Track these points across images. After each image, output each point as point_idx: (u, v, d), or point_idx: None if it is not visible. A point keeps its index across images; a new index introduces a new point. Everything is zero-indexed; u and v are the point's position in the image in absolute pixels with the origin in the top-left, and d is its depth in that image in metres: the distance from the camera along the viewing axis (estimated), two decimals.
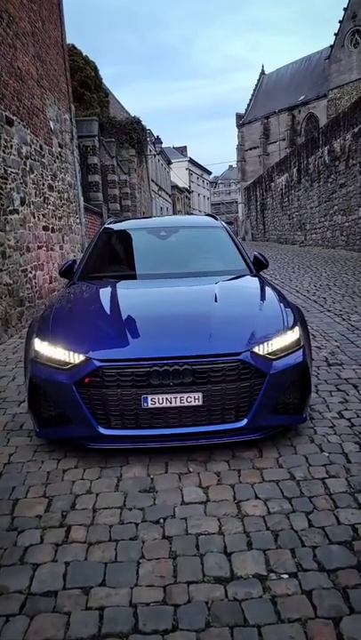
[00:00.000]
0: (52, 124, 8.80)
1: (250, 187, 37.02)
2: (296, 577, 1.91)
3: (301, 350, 2.97)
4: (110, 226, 5.18)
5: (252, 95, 49.09)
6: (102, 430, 2.78)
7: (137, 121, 22.54)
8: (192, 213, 46.21)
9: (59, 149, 9.27)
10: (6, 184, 6.47)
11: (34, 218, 7.54)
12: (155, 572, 1.97)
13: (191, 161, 55.43)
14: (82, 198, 11.11)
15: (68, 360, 2.82)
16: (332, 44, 35.78)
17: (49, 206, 8.41)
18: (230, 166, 71.80)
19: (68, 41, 10.56)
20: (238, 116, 48.78)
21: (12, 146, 6.73)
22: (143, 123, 23.15)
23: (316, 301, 7.53)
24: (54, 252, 8.62)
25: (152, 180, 30.76)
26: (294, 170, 22.83)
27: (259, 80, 49.69)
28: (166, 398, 2.71)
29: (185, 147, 57.69)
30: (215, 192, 75.06)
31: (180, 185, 48.17)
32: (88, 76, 19.71)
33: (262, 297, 3.50)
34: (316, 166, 19.22)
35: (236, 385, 2.75)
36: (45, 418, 2.94)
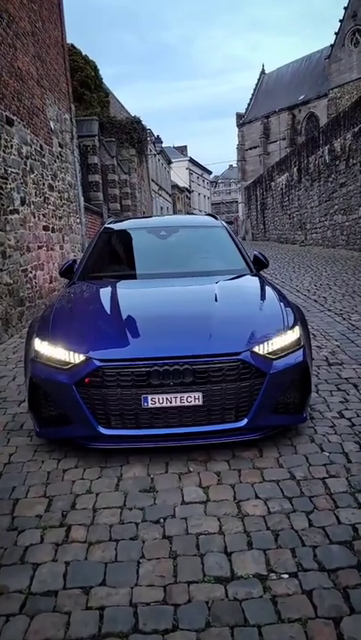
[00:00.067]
0: (52, 124, 8.80)
1: (250, 186, 37.01)
2: (296, 577, 1.91)
3: (302, 350, 2.97)
4: (110, 225, 5.18)
5: (253, 95, 49.06)
6: (102, 430, 2.78)
7: (137, 121, 22.54)
8: (192, 213, 46.18)
9: (59, 149, 9.27)
10: (6, 184, 6.47)
11: (34, 218, 7.54)
12: (155, 571, 1.97)
13: (191, 160, 55.42)
14: (82, 198, 11.10)
15: (68, 360, 2.82)
16: (332, 43, 35.75)
17: (49, 206, 8.41)
18: (230, 166, 71.81)
19: (68, 41, 10.57)
20: (238, 116, 48.76)
21: (12, 146, 6.73)
22: (143, 122, 23.18)
23: (316, 301, 7.52)
24: (54, 252, 8.63)
25: (152, 180, 30.76)
26: (295, 169, 22.82)
27: (259, 79, 49.66)
28: (166, 398, 2.71)
29: (185, 146, 57.69)
30: (215, 192, 75.04)
31: (181, 184, 48.17)
32: (88, 76, 19.71)
33: (262, 296, 3.50)
34: (317, 166, 19.21)
35: (236, 385, 2.75)
36: (45, 418, 2.94)
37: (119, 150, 19.55)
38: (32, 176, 7.53)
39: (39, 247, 7.75)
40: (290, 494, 2.45)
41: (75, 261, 4.53)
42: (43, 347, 2.96)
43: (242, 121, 47.84)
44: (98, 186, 14.60)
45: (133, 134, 21.89)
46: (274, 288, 3.73)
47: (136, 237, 4.92)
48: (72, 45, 17.34)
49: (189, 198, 53.97)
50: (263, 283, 3.80)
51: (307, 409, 3.06)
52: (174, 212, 41.06)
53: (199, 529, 2.22)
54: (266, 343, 2.86)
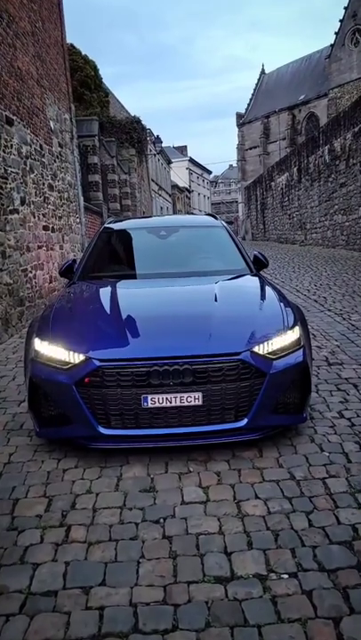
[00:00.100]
0: (52, 124, 8.80)
1: (250, 186, 37.01)
2: (296, 577, 1.91)
3: (302, 350, 2.97)
4: (110, 225, 5.18)
5: (253, 94, 49.06)
6: (102, 430, 2.77)
7: (137, 120, 22.54)
8: (192, 213, 46.17)
9: (59, 149, 9.27)
10: (6, 184, 6.47)
11: (34, 217, 7.54)
12: (155, 571, 1.97)
13: (191, 160, 55.41)
14: (82, 198, 11.10)
15: (68, 360, 2.82)
16: (332, 42, 35.75)
17: (49, 206, 8.41)
18: (230, 166, 71.80)
19: (68, 40, 10.56)
20: (238, 116, 48.75)
21: (12, 145, 6.73)
22: (143, 122, 23.18)
23: (316, 301, 7.52)
24: (54, 252, 8.63)
25: (152, 180, 30.76)
26: (295, 169, 22.82)
27: (259, 79, 49.65)
28: (166, 398, 2.71)
29: (185, 146, 57.69)
30: (215, 191, 75.04)
31: (181, 184, 48.16)
32: (88, 76, 19.71)
33: (262, 296, 3.50)
34: (317, 166, 19.21)
35: (235, 385, 2.75)
36: (45, 417, 2.94)
37: (119, 150, 19.55)
38: (32, 176, 7.53)
39: (39, 247, 7.75)
40: (290, 494, 2.45)
41: (74, 261, 4.53)
42: (42, 346, 2.96)
43: (242, 121, 47.84)
44: (98, 186, 14.59)
45: (133, 134, 21.88)
46: (274, 288, 3.73)
47: (136, 237, 4.92)
48: (71, 45, 17.33)
49: (189, 198, 53.97)
50: (263, 283, 3.80)
51: (307, 409, 3.06)
52: (174, 212, 41.06)
53: (199, 529, 2.22)
54: (266, 343, 2.86)
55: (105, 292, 3.71)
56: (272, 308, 3.28)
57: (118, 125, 21.10)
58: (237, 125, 48.46)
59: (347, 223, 15.99)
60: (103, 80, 21.94)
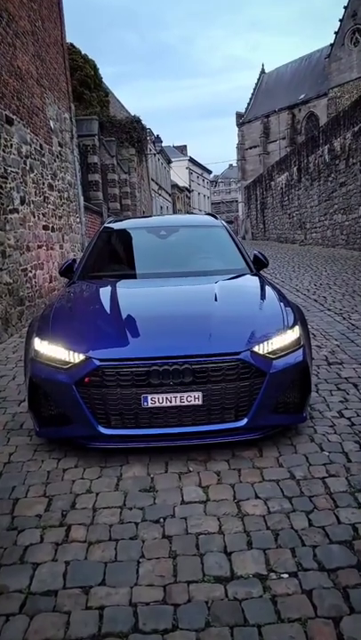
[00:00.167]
0: (51, 123, 8.79)
1: (250, 186, 36.99)
2: (296, 576, 1.91)
3: (301, 349, 2.97)
4: (110, 225, 5.18)
5: (253, 94, 49.02)
6: (102, 430, 2.77)
7: (137, 120, 22.53)
8: (192, 212, 46.17)
9: (59, 148, 9.27)
10: (6, 183, 6.46)
11: (34, 217, 7.54)
12: (155, 571, 1.97)
13: (191, 160, 55.38)
14: (82, 197, 11.10)
15: (67, 359, 2.82)
16: (332, 42, 35.73)
17: (49, 205, 8.40)
18: (230, 165, 71.77)
19: (67, 40, 10.55)
20: (238, 115, 48.72)
21: (11, 145, 6.72)
22: (143, 122, 23.18)
23: (316, 300, 7.52)
24: (54, 252, 8.62)
25: (152, 179, 30.75)
26: (294, 169, 22.81)
27: (259, 79, 49.61)
28: (166, 398, 2.71)
29: (185, 146, 57.66)
30: (215, 191, 75.02)
31: (181, 184, 48.15)
32: (87, 75, 19.70)
33: (262, 296, 3.50)
34: (317, 165, 19.20)
35: (235, 384, 2.75)
36: (45, 417, 2.93)
37: (119, 150, 19.54)
38: (32, 175, 7.52)
39: (39, 246, 7.75)
40: (290, 494, 2.45)
41: (74, 261, 4.53)
42: (42, 346, 2.96)
43: (242, 120, 47.82)
44: (98, 185, 14.59)
45: (133, 134, 21.88)
46: (274, 288, 3.73)
47: (136, 237, 4.92)
48: (71, 44, 17.32)
49: (189, 198, 53.95)
50: (263, 282, 3.80)
51: (307, 408, 3.06)
52: (174, 212, 41.04)
53: (199, 529, 2.22)
54: (266, 343, 2.86)
55: (105, 292, 3.71)
56: (272, 308, 3.28)
57: (118, 125, 21.10)
58: (237, 125, 48.43)
59: (347, 222, 15.99)
60: (103, 79, 21.94)
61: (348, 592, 1.82)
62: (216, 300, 3.32)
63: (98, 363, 2.74)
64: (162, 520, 2.29)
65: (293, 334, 3.00)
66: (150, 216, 17.16)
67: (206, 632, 1.68)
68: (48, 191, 8.38)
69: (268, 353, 2.84)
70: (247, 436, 2.86)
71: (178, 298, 3.59)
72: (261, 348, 2.83)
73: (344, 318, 6.19)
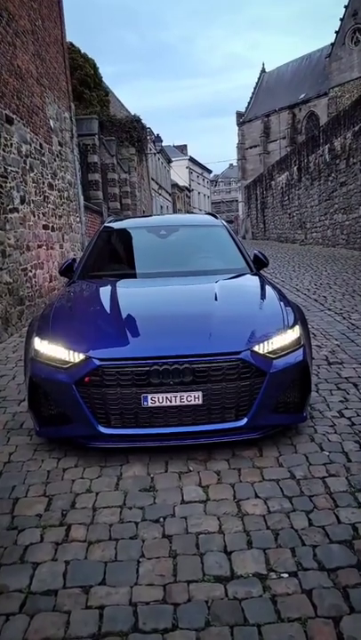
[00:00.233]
0: (51, 123, 8.79)
1: (250, 185, 36.98)
2: (296, 576, 1.91)
3: (302, 349, 2.97)
4: (110, 224, 5.18)
5: (253, 93, 49.00)
6: (102, 429, 2.77)
7: (137, 119, 22.52)
8: (192, 212, 46.17)
9: (59, 148, 9.26)
10: (6, 183, 6.46)
11: (34, 216, 7.54)
12: (155, 570, 1.97)
13: (191, 159, 55.37)
14: (82, 197, 11.09)
15: (67, 359, 2.82)
16: (332, 41, 35.71)
17: (49, 205, 8.40)
18: (231, 165, 71.74)
19: (67, 39, 10.54)
20: (239, 115, 48.70)
21: (11, 144, 6.72)
22: (143, 121, 23.15)
23: (316, 300, 7.52)
24: (54, 251, 8.62)
25: (152, 179, 30.74)
26: (295, 168, 22.80)
27: (259, 78, 49.59)
28: (166, 397, 2.71)
29: (185, 145, 57.65)
30: (215, 190, 74.99)
31: (181, 183, 48.13)
32: (87, 74, 19.69)
33: (262, 296, 3.50)
34: (317, 165, 19.20)
35: (236, 384, 2.75)
36: (45, 417, 2.93)
37: (119, 149, 19.53)
38: (32, 175, 7.52)
39: (39, 246, 7.74)
40: (290, 493, 2.45)
41: (74, 260, 4.53)
42: (42, 346, 2.96)
43: (242, 120, 47.80)
44: (98, 185, 14.58)
45: (133, 133, 21.86)
46: (274, 287, 3.72)
47: (136, 236, 4.92)
48: (71, 43, 17.30)
49: (189, 197, 53.94)
50: (263, 282, 3.80)
51: (307, 408, 3.06)
52: (174, 211, 41.03)
53: (199, 528, 2.22)
54: (266, 342, 2.86)
55: (105, 292, 3.71)
56: (272, 308, 3.28)
57: (118, 124, 21.09)
58: (238, 124, 48.41)
59: (347, 222, 15.98)
60: (103, 79, 21.93)
61: (348, 592, 1.82)
62: (216, 299, 3.32)
63: (98, 362, 2.74)
64: (162, 519, 2.29)
65: (294, 334, 3.00)
66: (150, 215, 17.15)
67: (206, 631, 1.68)
68: (48, 190, 8.38)
69: (269, 352, 2.84)
70: (247, 435, 2.86)
71: (178, 297, 3.59)
72: (262, 348, 2.83)
73: (344, 318, 6.19)
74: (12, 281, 6.51)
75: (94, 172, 14.42)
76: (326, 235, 18.23)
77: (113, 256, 4.88)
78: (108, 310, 3.34)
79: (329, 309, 6.77)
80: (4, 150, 6.43)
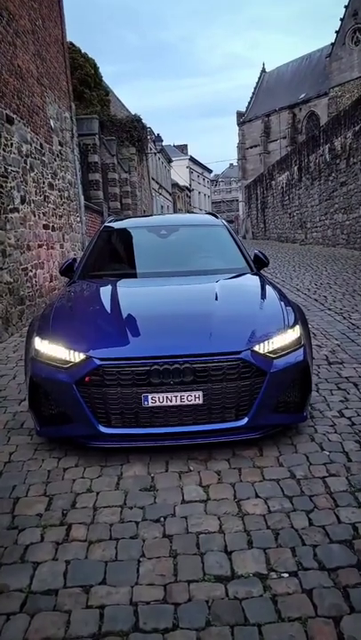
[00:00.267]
0: (52, 123, 8.79)
1: (250, 185, 36.97)
2: (296, 576, 1.91)
3: (302, 349, 2.97)
4: (111, 224, 5.18)
5: (253, 93, 48.99)
6: (103, 429, 2.78)
7: (137, 119, 22.51)
8: (193, 212, 46.15)
9: (59, 148, 9.26)
10: (6, 182, 6.46)
11: (34, 216, 7.54)
12: (155, 570, 1.97)
13: (192, 159, 55.36)
14: (82, 197, 11.09)
15: (68, 359, 2.82)
16: (333, 41, 35.69)
17: (49, 205, 8.40)
18: (231, 164, 71.73)
19: (67, 38, 10.54)
20: (239, 114, 48.70)
21: (12, 144, 6.72)
22: (144, 121, 23.14)
23: (316, 300, 7.52)
24: (55, 251, 8.62)
25: (152, 179, 30.73)
26: (295, 168, 22.80)
27: (260, 78, 49.57)
28: (167, 397, 2.71)
29: (185, 145, 57.64)
30: (216, 190, 74.99)
31: (181, 183, 48.12)
32: (88, 74, 19.67)
33: (263, 295, 3.50)
34: (317, 164, 19.19)
35: (236, 384, 2.75)
36: (46, 416, 2.94)
37: (119, 149, 19.53)
38: (32, 174, 7.52)
39: (39, 246, 7.75)
40: (290, 493, 2.45)
41: (75, 260, 4.53)
42: (43, 345, 2.96)
43: (242, 119, 47.79)
44: (98, 184, 14.58)
45: (134, 133, 21.86)
46: (274, 287, 3.72)
47: (136, 236, 4.92)
48: (71, 43, 17.28)
49: (190, 197, 53.93)
50: (264, 282, 3.80)
51: (307, 408, 3.06)
52: (175, 211, 41.02)
53: (199, 528, 2.22)
54: (266, 342, 2.86)
55: (105, 291, 3.71)
56: (272, 307, 3.28)
57: (119, 124, 21.08)
58: (238, 124, 48.40)
59: (347, 222, 15.98)
60: (103, 78, 21.92)
61: (349, 591, 1.82)
62: (217, 299, 3.32)
63: (98, 362, 2.74)
64: (162, 519, 2.29)
65: (294, 334, 3.00)
66: (151, 215, 17.15)
67: (207, 631, 1.68)
68: (48, 190, 8.38)
69: (269, 352, 2.84)
70: (248, 435, 2.86)
71: (178, 297, 3.59)
72: (262, 348, 2.83)
73: (345, 318, 6.19)
74: (12, 280, 6.51)
75: (95, 172, 14.42)
76: (327, 234, 18.22)
77: (113, 256, 4.88)
78: (109, 310, 3.34)
79: (329, 309, 6.77)
80: (4, 150, 6.43)
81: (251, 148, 46.68)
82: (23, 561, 2.07)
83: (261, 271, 4.37)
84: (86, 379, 2.75)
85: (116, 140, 18.61)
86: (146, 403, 2.72)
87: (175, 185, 44.44)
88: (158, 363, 2.70)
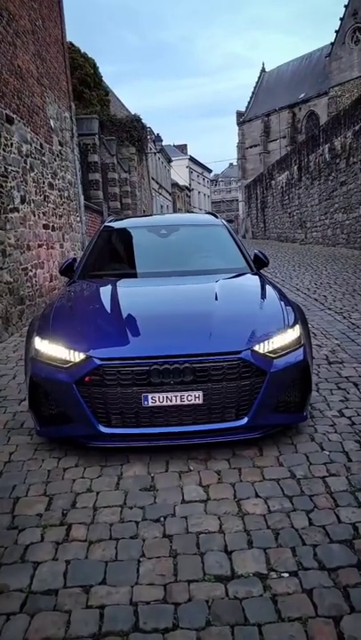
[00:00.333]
0: (52, 123, 8.78)
1: (250, 185, 36.96)
2: (297, 575, 1.91)
3: (302, 349, 2.97)
4: (110, 224, 5.18)
5: (253, 93, 48.97)
6: (103, 429, 2.77)
7: (137, 119, 22.51)
8: (192, 211, 46.15)
9: (59, 147, 9.26)
10: (7, 182, 6.46)
11: (34, 216, 7.54)
12: (155, 570, 1.97)
13: (192, 159, 55.35)
14: (82, 196, 11.09)
15: (68, 358, 2.82)
16: (332, 41, 35.68)
17: (49, 204, 8.40)
18: (231, 164, 71.72)
19: (67, 38, 10.54)
20: (239, 114, 48.68)
21: (12, 144, 6.72)
22: (143, 121, 23.14)
23: (316, 299, 7.52)
24: (55, 251, 8.62)
25: (152, 179, 30.73)
26: (295, 168, 22.79)
27: (259, 78, 49.55)
28: (167, 397, 2.71)
29: (185, 145, 57.63)
30: (216, 190, 74.99)
31: (181, 183, 48.11)
32: (87, 74, 19.67)
33: (263, 295, 3.50)
34: (317, 164, 19.19)
35: (236, 383, 2.75)
36: (46, 416, 2.94)
37: (119, 149, 19.53)
38: (32, 174, 7.52)
39: (39, 245, 7.74)
40: (290, 493, 2.45)
41: (75, 260, 4.53)
42: (43, 345, 2.96)
43: (242, 119, 47.77)
44: (98, 184, 14.57)
45: (133, 132, 21.86)
46: (274, 287, 3.72)
47: (136, 236, 4.92)
48: (71, 43, 17.27)
49: (189, 197, 53.92)
50: (263, 281, 3.80)
51: (307, 408, 3.06)
52: (174, 211, 41.02)
53: (199, 528, 2.22)
54: (266, 342, 2.86)
55: (105, 291, 3.71)
56: (272, 307, 3.28)
57: (118, 124, 21.08)
58: (238, 124, 48.38)
59: (347, 222, 15.98)
60: (103, 78, 21.92)
61: (349, 591, 1.82)
62: (216, 299, 3.32)
63: (98, 362, 2.74)
64: (162, 519, 2.29)
65: (294, 333, 3.00)
66: (151, 215, 17.15)
67: (207, 631, 1.68)
68: (48, 190, 8.38)
69: (269, 352, 2.84)
70: (248, 435, 2.86)
71: (178, 297, 3.59)
72: (262, 347, 2.83)
73: (345, 317, 6.19)
74: (12, 280, 6.51)
75: (94, 172, 14.42)
76: (326, 234, 18.22)
77: (113, 256, 4.88)
78: (109, 310, 3.34)
79: (329, 309, 6.77)
80: (4, 150, 6.43)
81: (250, 147, 46.67)
82: (23, 561, 2.07)
83: (261, 271, 4.37)
84: (86, 378, 2.75)
85: (116, 140, 18.61)
86: (146, 402, 2.72)
87: (175, 185, 44.44)
88: (158, 362, 2.70)
